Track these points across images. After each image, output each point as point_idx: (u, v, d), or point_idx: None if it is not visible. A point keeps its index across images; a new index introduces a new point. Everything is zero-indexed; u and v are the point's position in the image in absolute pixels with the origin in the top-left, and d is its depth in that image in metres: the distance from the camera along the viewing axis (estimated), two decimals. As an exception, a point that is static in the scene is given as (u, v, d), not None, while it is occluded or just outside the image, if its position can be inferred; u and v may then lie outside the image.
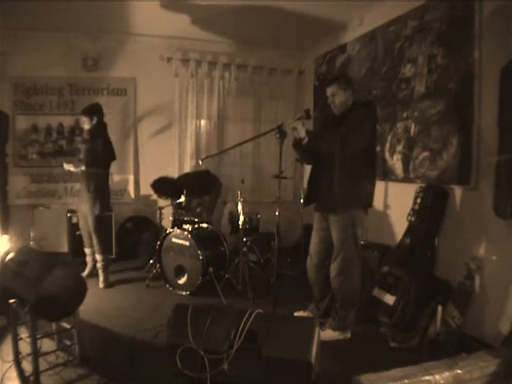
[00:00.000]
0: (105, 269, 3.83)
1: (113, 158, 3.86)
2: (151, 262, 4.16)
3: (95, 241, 3.79)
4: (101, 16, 4.23)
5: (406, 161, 3.51)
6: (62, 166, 3.90)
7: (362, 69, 4.20)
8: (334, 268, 2.72)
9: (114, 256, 4.63)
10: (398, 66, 3.60)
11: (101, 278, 3.82)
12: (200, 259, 3.48)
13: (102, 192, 3.76)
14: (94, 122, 3.70)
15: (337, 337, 2.75)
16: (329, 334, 2.74)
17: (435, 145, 3.15)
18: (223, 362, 1.93)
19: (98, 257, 3.82)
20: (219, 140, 5.26)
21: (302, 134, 2.51)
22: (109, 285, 3.83)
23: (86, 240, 3.94)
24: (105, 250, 3.86)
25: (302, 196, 3.96)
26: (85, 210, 3.77)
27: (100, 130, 3.76)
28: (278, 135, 2.56)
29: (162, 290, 3.73)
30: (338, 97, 2.67)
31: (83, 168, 3.65)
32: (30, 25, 4.37)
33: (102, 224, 3.81)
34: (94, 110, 3.73)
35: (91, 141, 3.71)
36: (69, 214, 4.45)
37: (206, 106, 5.22)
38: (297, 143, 2.66)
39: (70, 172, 3.84)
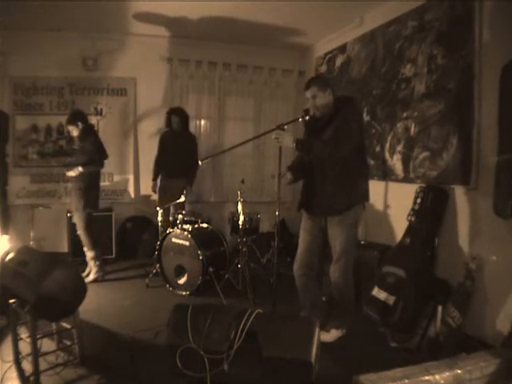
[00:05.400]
0: (95, 264, 3.88)
1: (105, 156, 3.98)
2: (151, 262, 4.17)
3: (85, 238, 3.87)
4: (101, 16, 4.23)
5: (406, 161, 3.51)
6: (62, 166, 3.98)
7: (361, 69, 4.20)
8: (336, 269, 2.68)
9: (113, 256, 4.64)
10: (398, 66, 3.60)
11: (92, 271, 3.89)
12: (200, 259, 3.48)
13: (92, 189, 3.87)
14: (80, 127, 3.82)
15: (339, 334, 2.76)
16: (334, 334, 2.74)
17: (435, 145, 3.15)
18: (223, 362, 1.93)
19: (89, 254, 3.88)
20: (219, 140, 5.27)
21: (290, 143, 2.48)
22: (97, 279, 3.88)
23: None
24: (95, 246, 3.90)
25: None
26: (74, 208, 3.88)
27: (88, 132, 3.90)
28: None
29: (162, 290, 3.73)
30: (318, 99, 2.60)
31: (80, 169, 3.74)
32: (30, 25, 4.37)
33: (91, 220, 3.88)
34: (77, 117, 3.85)
35: (83, 144, 3.84)
36: (69, 214, 4.45)
37: (206, 105, 5.22)
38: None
39: (71, 177, 3.89)
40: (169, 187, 4.47)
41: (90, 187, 3.85)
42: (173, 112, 4.47)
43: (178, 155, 4.46)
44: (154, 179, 4.61)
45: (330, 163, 2.57)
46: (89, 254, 3.90)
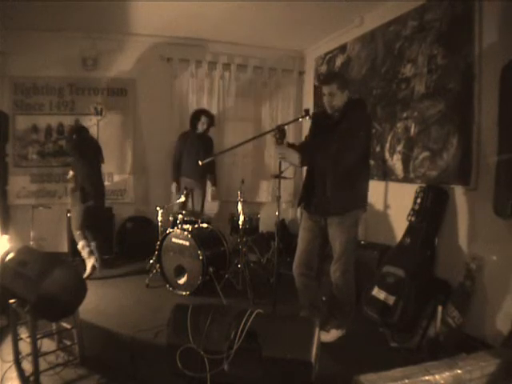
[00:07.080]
0: (86, 252, 3.96)
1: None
2: (151, 262, 4.17)
3: (74, 232, 3.98)
4: (101, 16, 4.23)
5: (406, 161, 3.51)
6: (62, 166, 4.10)
7: (362, 69, 4.20)
8: (337, 268, 2.68)
9: (113, 256, 4.65)
10: (398, 66, 3.60)
11: (89, 261, 3.96)
12: (200, 259, 3.48)
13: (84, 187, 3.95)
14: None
15: (339, 334, 2.76)
16: (334, 334, 2.74)
17: (435, 145, 3.15)
18: (223, 362, 1.93)
19: (79, 244, 3.97)
20: (219, 140, 5.26)
21: (296, 161, 2.49)
22: (95, 266, 3.96)
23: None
24: (83, 236, 3.99)
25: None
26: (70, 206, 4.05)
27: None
28: (277, 135, 2.54)
29: (162, 290, 3.73)
30: (335, 97, 2.57)
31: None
32: (30, 25, 4.37)
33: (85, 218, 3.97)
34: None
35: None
36: (69, 214, 4.46)
37: (206, 106, 5.23)
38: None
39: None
40: (197, 188, 4.60)
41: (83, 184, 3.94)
42: (203, 113, 4.55)
43: (205, 156, 4.47)
44: (176, 180, 4.63)
45: (337, 167, 2.54)
46: (79, 246, 3.96)
